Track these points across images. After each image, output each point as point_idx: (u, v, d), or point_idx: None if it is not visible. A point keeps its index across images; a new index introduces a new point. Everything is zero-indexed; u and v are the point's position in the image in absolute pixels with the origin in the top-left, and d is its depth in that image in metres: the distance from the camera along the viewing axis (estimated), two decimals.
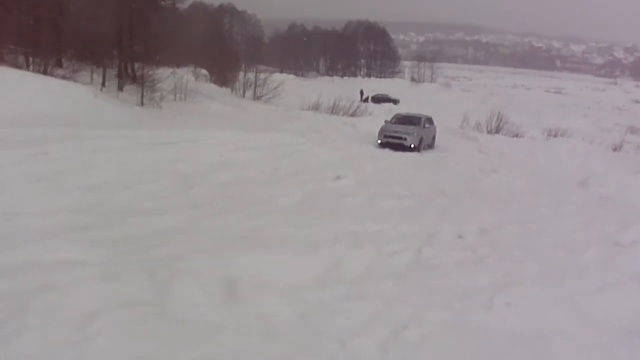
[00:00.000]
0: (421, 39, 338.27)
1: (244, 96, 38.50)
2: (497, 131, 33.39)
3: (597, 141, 32.91)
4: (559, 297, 7.53)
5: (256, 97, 38.42)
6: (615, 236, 11.13)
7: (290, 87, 45.82)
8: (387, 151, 22.06)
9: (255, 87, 39.15)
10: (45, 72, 22.25)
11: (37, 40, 23.40)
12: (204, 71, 46.81)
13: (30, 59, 23.31)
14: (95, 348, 4.88)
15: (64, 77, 22.54)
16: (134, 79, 27.03)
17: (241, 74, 41.23)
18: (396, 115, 26.80)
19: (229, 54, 48.15)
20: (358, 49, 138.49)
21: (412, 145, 22.98)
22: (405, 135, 23.24)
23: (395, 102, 61.57)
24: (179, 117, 22.81)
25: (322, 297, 6.60)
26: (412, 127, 24.02)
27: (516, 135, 32.75)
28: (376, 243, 8.84)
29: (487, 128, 34.05)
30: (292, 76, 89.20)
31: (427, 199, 13.00)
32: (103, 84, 24.04)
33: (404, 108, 37.44)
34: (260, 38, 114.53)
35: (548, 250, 9.78)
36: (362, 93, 62.66)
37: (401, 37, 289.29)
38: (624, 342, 6.42)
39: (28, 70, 22.08)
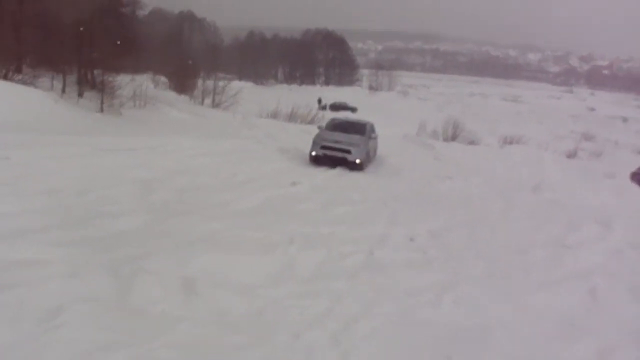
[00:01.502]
0: (380, 47, 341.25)
1: (202, 104, 38.75)
2: (454, 139, 34.20)
3: (551, 148, 33.81)
4: (503, 293, 8.08)
5: (215, 105, 38.72)
6: (562, 238, 11.78)
7: (249, 95, 46.17)
8: (322, 170, 17.91)
9: (214, 94, 39.44)
10: (5, 78, 22.25)
11: None
12: (163, 78, 46.89)
13: None
14: (61, 337, 5.22)
15: (24, 83, 22.55)
16: (93, 86, 27.12)
17: (200, 82, 41.46)
18: (333, 120, 21.95)
19: (188, 62, 48.22)
20: (316, 57, 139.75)
21: (358, 161, 18.34)
22: (349, 147, 18.50)
23: (353, 110, 62.42)
24: (138, 123, 23.01)
25: (277, 294, 7.01)
26: (356, 136, 19.43)
27: (472, 143, 33.56)
28: (329, 245, 9.28)
29: (443, 136, 34.86)
30: (250, 84, 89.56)
31: (381, 203, 13.49)
32: (63, 90, 24.09)
33: (361, 116, 37.89)
34: (219, 46, 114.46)
35: (496, 251, 10.34)
36: (320, 101, 63.49)
37: (360, 45, 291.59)
38: (561, 332, 6.97)
39: None
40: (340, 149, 18.49)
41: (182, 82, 43.34)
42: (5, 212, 8.73)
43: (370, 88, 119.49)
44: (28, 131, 15.51)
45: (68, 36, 25.72)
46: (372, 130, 21.13)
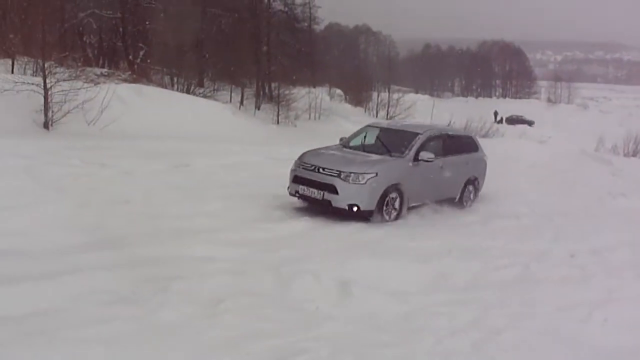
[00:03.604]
0: (559, 57, 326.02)
1: (377, 116, 39.17)
2: (635, 154, 32.11)
3: None
4: None
5: (389, 117, 39.00)
6: None
7: (424, 107, 46.00)
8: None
9: (388, 107, 39.80)
10: (188, 91, 23.90)
11: (181, 62, 25.22)
12: (338, 91, 47.96)
13: (175, 79, 25.10)
14: (220, 322, 5.76)
15: (205, 96, 24.09)
16: (270, 98, 28.39)
17: (375, 94, 42.01)
18: (368, 127, 13.37)
19: (364, 74, 49.04)
20: (493, 69, 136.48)
21: (354, 207, 10.40)
22: (338, 179, 10.53)
23: (530, 123, 60.34)
24: (312, 135, 23.75)
25: (427, 301, 7.06)
26: (384, 158, 11.43)
27: None
28: (485, 257, 9.10)
29: (623, 151, 32.83)
30: (426, 96, 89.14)
31: (547, 219, 12.95)
32: (241, 103, 25.51)
33: (539, 130, 36.38)
34: (394, 59, 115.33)
35: None
36: (496, 114, 61.78)
37: (538, 56, 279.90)
38: None
39: (173, 89, 23.81)
40: (321, 183, 10.71)
41: (357, 95, 44.15)
42: (182, 214, 9.59)
43: (549, 101, 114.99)
44: (208, 141, 16.63)
45: (246, 51, 27.12)
46: (449, 142, 12.88)
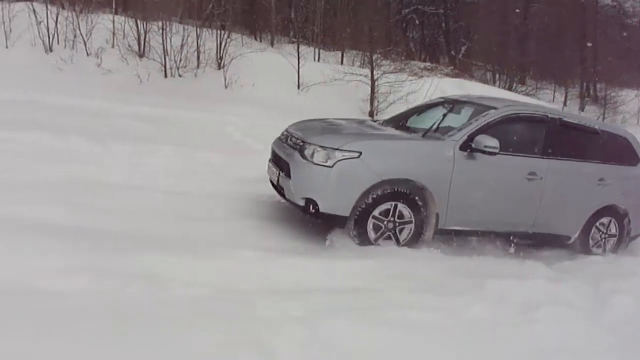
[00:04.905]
0: None
1: None
2: None
3: None
4: None
5: None
6: None
7: None
8: None
9: None
10: (510, 89, 23.44)
11: (503, 58, 24.83)
12: None
13: (497, 76, 24.80)
14: (531, 331, 5.27)
15: (527, 94, 23.45)
16: (595, 100, 26.76)
17: None
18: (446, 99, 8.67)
19: None
20: None
21: (313, 207, 6.36)
22: (302, 151, 6.55)
23: None
24: None
25: None
26: (386, 132, 7.33)
27: None
28: None
29: None
30: None
31: None
32: (564, 103, 24.37)
33: None
34: None
35: None
36: None
37: None
38: None
39: (494, 86, 23.50)
40: (280, 159, 7.06)
41: None
42: None
43: None
44: None
45: (571, 49, 25.85)
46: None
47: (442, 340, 4.75)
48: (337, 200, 6.35)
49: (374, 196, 6.41)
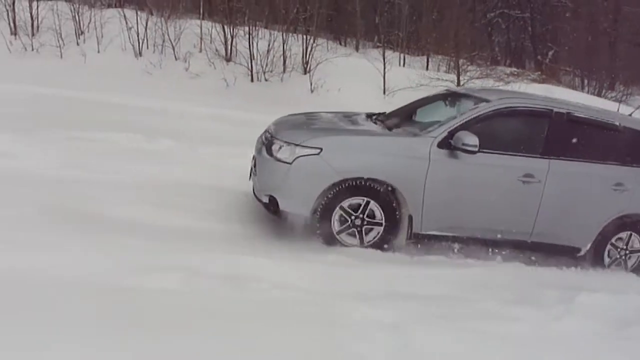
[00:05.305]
0: None
1: None
2: None
3: None
4: None
5: None
6: None
7: None
8: None
9: None
10: (599, 94, 22.67)
11: (592, 63, 24.06)
12: None
13: (585, 81, 24.02)
14: (625, 347, 5.02)
15: (617, 100, 22.62)
16: None
17: None
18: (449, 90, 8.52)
19: None
20: None
21: (272, 204, 6.23)
22: (269, 147, 6.41)
23: None
24: None
25: None
26: (355, 127, 6.88)
27: None
28: None
29: None
30: None
31: None
32: None
33: None
34: None
35: None
36: None
37: None
38: None
39: (582, 92, 22.77)
40: (254, 157, 7.01)
41: None
42: None
43: None
44: None
45: None
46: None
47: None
48: (295, 198, 6.10)
49: (335, 194, 6.07)
